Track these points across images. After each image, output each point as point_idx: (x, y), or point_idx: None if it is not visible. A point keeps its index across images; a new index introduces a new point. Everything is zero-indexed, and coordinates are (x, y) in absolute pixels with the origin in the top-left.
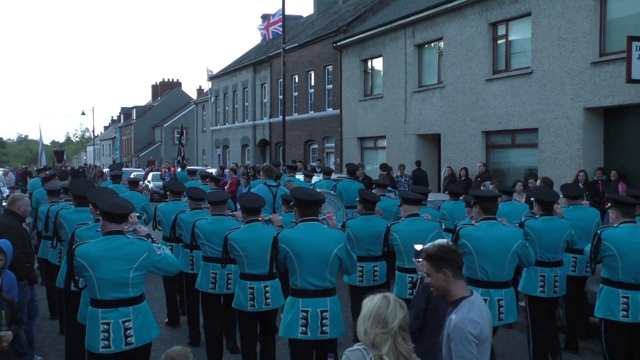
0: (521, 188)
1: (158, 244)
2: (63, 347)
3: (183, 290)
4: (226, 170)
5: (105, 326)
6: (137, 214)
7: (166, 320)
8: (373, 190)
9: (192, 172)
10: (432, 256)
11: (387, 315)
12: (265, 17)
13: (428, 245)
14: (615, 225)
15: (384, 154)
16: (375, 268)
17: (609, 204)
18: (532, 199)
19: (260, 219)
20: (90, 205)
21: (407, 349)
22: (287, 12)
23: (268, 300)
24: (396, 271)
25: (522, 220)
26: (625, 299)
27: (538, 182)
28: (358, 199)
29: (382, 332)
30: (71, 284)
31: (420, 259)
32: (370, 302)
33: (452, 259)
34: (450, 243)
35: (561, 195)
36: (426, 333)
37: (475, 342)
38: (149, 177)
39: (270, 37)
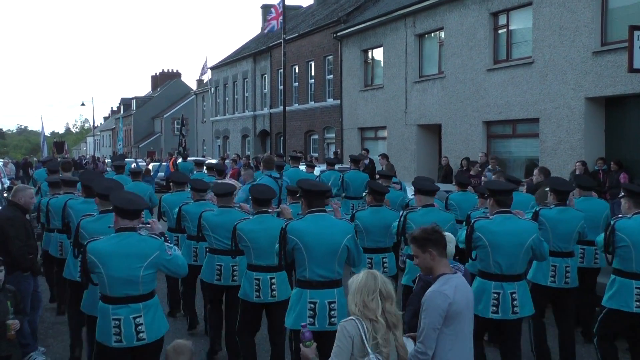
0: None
1: (171, 244)
2: (66, 338)
3: (184, 281)
4: (227, 161)
5: (117, 322)
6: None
7: (168, 311)
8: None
9: (199, 164)
10: (417, 238)
11: (376, 286)
12: (265, 8)
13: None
14: (628, 216)
15: (385, 145)
16: (385, 259)
17: (622, 194)
18: (546, 189)
19: (270, 210)
20: (96, 197)
21: (396, 314)
22: (287, 3)
23: (274, 292)
24: (407, 259)
25: (537, 209)
26: (639, 290)
27: (535, 171)
28: (367, 191)
29: (373, 298)
30: (86, 279)
31: None
32: (357, 279)
33: (436, 239)
34: (434, 225)
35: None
36: None
37: (442, 315)
38: (150, 167)
39: (279, 26)
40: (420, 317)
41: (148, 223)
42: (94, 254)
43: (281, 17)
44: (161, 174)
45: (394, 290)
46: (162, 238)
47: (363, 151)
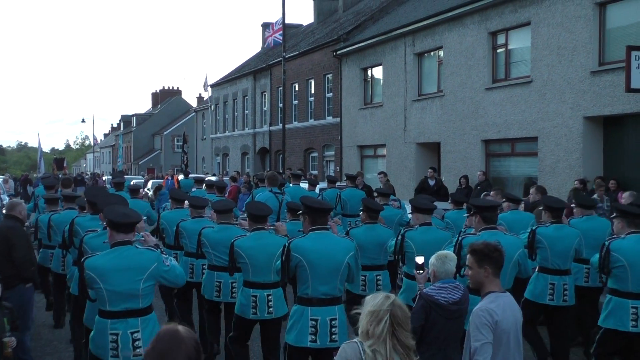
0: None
1: (166, 255)
2: (63, 356)
3: (178, 297)
4: (225, 178)
5: (114, 337)
6: (144, 217)
7: (167, 320)
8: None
9: (199, 181)
10: (477, 251)
11: (387, 311)
12: (265, 26)
13: (475, 241)
14: (622, 236)
15: (384, 162)
16: (379, 277)
17: (614, 214)
18: (541, 207)
19: (266, 227)
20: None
21: (410, 344)
22: (287, 21)
23: (271, 309)
24: (404, 278)
25: (533, 228)
26: (634, 309)
27: (532, 190)
28: (361, 208)
29: (375, 320)
30: (85, 293)
31: (421, 271)
32: (373, 301)
33: (495, 258)
34: (496, 242)
35: (572, 205)
36: (421, 347)
37: (490, 327)
38: (149, 184)
39: (272, 44)
40: (467, 338)
41: (142, 237)
42: (92, 270)
43: (277, 34)
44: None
45: (406, 314)
46: (158, 250)
47: (359, 177)
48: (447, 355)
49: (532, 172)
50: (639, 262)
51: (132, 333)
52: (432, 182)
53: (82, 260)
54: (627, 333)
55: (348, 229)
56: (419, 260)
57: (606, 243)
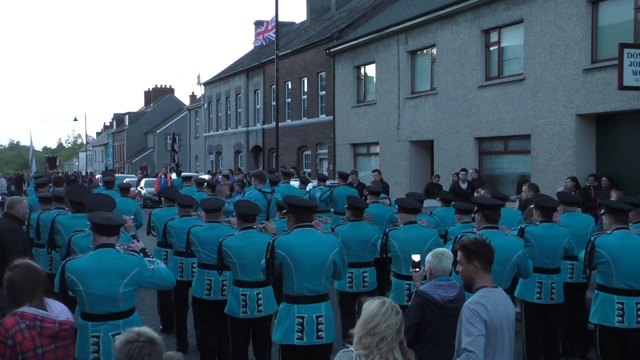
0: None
1: (153, 257)
2: None
3: (176, 300)
4: (219, 176)
5: (95, 339)
6: (132, 217)
7: (160, 327)
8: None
9: (187, 179)
10: (466, 247)
11: (379, 321)
12: (258, 24)
13: (466, 237)
14: (608, 232)
15: (377, 160)
16: (365, 274)
17: (603, 211)
18: (532, 205)
19: (255, 226)
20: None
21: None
22: (280, 19)
23: (260, 307)
24: (393, 278)
25: (522, 226)
26: (620, 305)
27: (524, 187)
28: (346, 206)
29: (371, 335)
30: (64, 293)
31: (417, 269)
32: (368, 307)
33: (483, 253)
34: (484, 238)
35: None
36: (417, 345)
37: (481, 320)
38: (142, 183)
39: (266, 42)
40: (458, 332)
41: (129, 246)
42: (73, 273)
43: (270, 32)
44: (150, 189)
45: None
46: (142, 254)
47: (352, 175)
48: (443, 353)
49: (525, 169)
50: (623, 258)
51: (113, 335)
52: (464, 185)
53: (64, 262)
54: (615, 329)
55: (334, 225)
56: (415, 258)
57: (591, 239)
